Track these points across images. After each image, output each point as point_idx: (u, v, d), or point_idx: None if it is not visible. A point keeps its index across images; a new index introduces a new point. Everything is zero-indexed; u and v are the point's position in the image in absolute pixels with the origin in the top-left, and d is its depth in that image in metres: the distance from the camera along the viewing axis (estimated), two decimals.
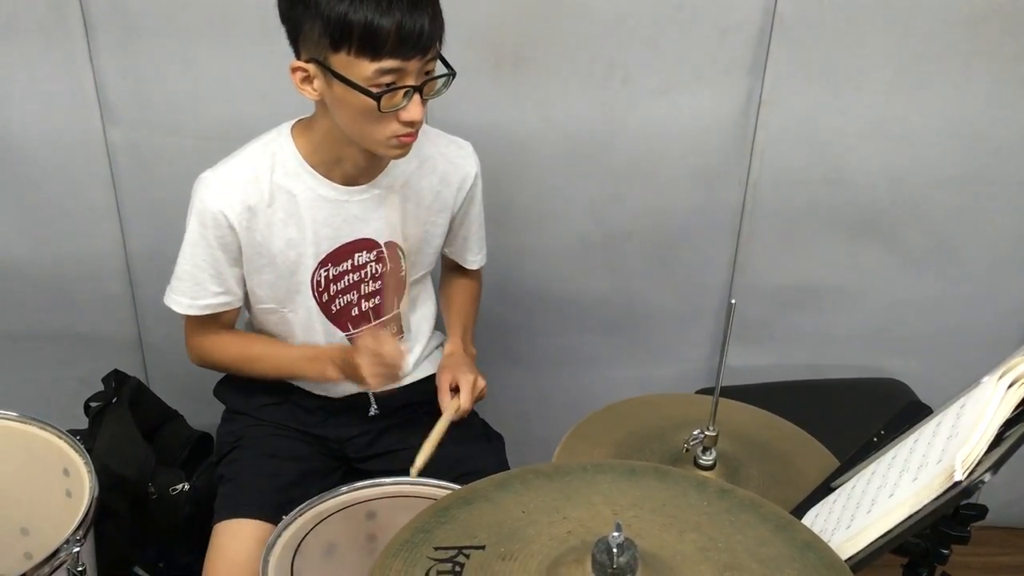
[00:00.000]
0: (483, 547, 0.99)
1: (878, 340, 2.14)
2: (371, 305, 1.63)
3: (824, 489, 1.23)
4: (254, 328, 1.68)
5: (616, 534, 0.92)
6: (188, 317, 1.59)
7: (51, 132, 1.87)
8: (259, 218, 1.50)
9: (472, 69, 1.72)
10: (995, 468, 0.91)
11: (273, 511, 1.53)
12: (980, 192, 1.97)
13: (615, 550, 0.91)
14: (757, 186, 1.97)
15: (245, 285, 1.58)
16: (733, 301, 1.23)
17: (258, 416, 1.69)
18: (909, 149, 1.93)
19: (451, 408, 1.56)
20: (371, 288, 1.61)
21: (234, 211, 1.48)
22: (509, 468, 1.70)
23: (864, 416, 1.78)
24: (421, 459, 1.47)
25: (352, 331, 1.63)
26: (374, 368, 1.47)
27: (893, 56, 1.84)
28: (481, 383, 1.60)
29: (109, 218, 1.97)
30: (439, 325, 1.77)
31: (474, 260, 1.75)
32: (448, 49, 1.41)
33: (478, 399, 1.62)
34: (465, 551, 0.99)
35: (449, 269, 1.81)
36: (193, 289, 1.55)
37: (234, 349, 1.64)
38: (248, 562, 1.50)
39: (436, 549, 0.99)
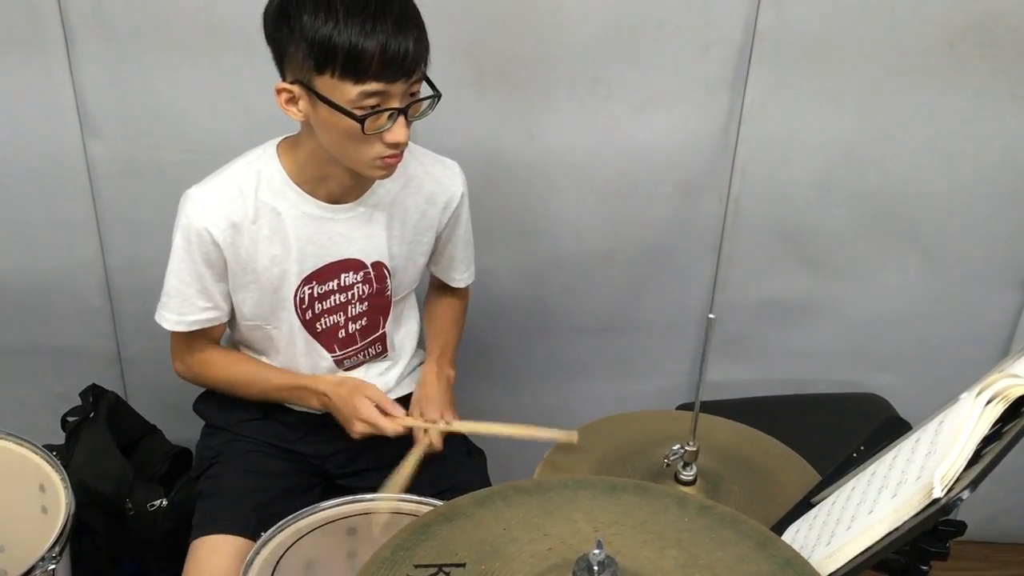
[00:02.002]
0: (463, 564, 0.99)
1: (858, 355, 2.15)
2: (358, 327, 1.62)
3: (804, 505, 1.23)
4: (237, 343, 1.68)
5: (597, 551, 0.92)
6: (175, 332, 1.58)
7: (30, 144, 1.86)
8: (244, 235, 1.50)
9: (456, 86, 1.72)
10: (974, 485, 0.91)
11: (252, 528, 1.52)
12: (960, 208, 1.99)
13: (596, 568, 0.91)
14: (738, 202, 1.98)
15: (232, 300, 1.57)
16: (712, 316, 1.23)
17: (238, 432, 1.68)
18: (888, 165, 1.95)
19: (420, 447, 1.53)
20: (358, 310, 1.61)
21: (219, 228, 1.48)
22: (491, 484, 1.70)
23: (844, 431, 1.78)
24: (385, 509, 1.45)
25: (338, 352, 1.63)
26: (366, 431, 1.51)
27: (873, 73, 1.86)
28: (447, 418, 1.57)
29: (88, 231, 1.96)
30: (423, 342, 1.77)
31: (460, 279, 1.75)
32: (432, 67, 1.41)
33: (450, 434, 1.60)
34: (445, 569, 0.98)
35: (435, 287, 1.81)
36: (181, 305, 1.54)
37: (220, 369, 1.63)
38: None
39: (416, 567, 0.99)
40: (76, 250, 1.98)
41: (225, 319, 1.59)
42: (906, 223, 2.01)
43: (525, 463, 1.48)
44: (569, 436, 1.44)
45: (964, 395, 1.03)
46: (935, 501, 0.93)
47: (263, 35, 1.41)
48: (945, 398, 1.11)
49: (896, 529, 0.96)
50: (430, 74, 1.42)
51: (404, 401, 1.70)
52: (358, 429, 1.51)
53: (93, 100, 1.84)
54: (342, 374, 1.64)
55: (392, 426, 1.50)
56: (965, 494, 0.91)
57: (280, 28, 1.37)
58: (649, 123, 1.90)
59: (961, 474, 0.93)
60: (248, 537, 1.52)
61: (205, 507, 1.60)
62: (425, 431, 1.54)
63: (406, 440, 1.62)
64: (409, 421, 1.53)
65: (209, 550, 1.53)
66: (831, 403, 2.03)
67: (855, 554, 1.00)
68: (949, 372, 2.11)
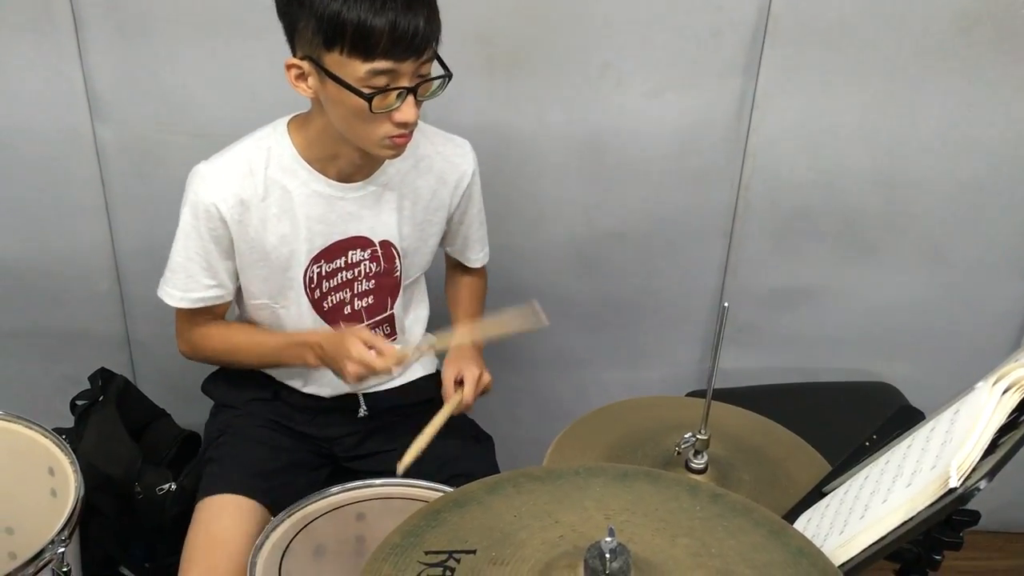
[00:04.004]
0: (474, 551, 0.98)
1: (868, 343, 2.14)
2: (364, 304, 1.61)
3: (816, 494, 1.22)
4: (244, 322, 1.67)
5: (609, 539, 0.91)
6: (179, 309, 1.58)
7: (40, 128, 1.86)
8: (252, 212, 1.49)
9: (466, 69, 1.71)
10: (991, 475, 0.90)
11: (258, 491, 1.52)
12: (971, 196, 1.97)
13: (608, 555, 0.91)
14: (749, 188, 1.97)
15: (237, 279, 1.56)
16: (726, 304, 1.22)
17: (246, 410, 1.68)
18: (901, 152, 1.93)
19: (453, 401, 1.53)
20: (364, 287, 1.60)
21: (227, 204, 1.47)
22: (498, 469, 1.70)
23: (854, 419, 1.78)
24: (410, 457, 1.43)
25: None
26: (358, 371, 1.46)
27: (887, 59, 1.84)
28: (487, 378, 1.58)
29: (97, 215, 1.95)
30: (431, 327, 1.76)
31: (476, 258, 1.75)
32: (442, 49, 1.40)
33: (482, 393, 1.60)
34: (456, 555, 0.98)
35: (452, 268, 1.80)
36: (185, 282, 1.54)
37: (219, 339, 1.62)
38: (230, 539, 1.49)
39: (426, 553, 0.99)
40: (85, 233, 1.97)
41: (230, 298, 1.59)
42: (918, 210, 1.99)
43: (533, 449, 1.47)
44: (537, 320, 1.45)
45: (980, 384, 1.02)
46: (951, 491, 0.92)
47: (273, 16, 1.40)
48: (956, 386, 1.10)
49: (911, 519, 0.96)
50: (441, 54, 1.40)
51: (413, 385, 1.71)
52: (350, 370, 1.46)
53: (102, 83, 1.83)
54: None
55: (383, 363, 1.45)
56: (982, 484, 0.90)
57: (291, 2, 1.36)
58: (660, 108, 1.88)
59: (977, 464, 0.92)
60: (254, 498, 1.53)
61: (211, 471, 1.61)
62: (457, 390, 1.54)
63: (416, 425, 1.62)
64: (399, 351, 1.49)
65: (213, 510, 1.53)
66: (841, 391, 2.02)
67: (869, 543, 0.99)
68: (960, 360, 2.10)
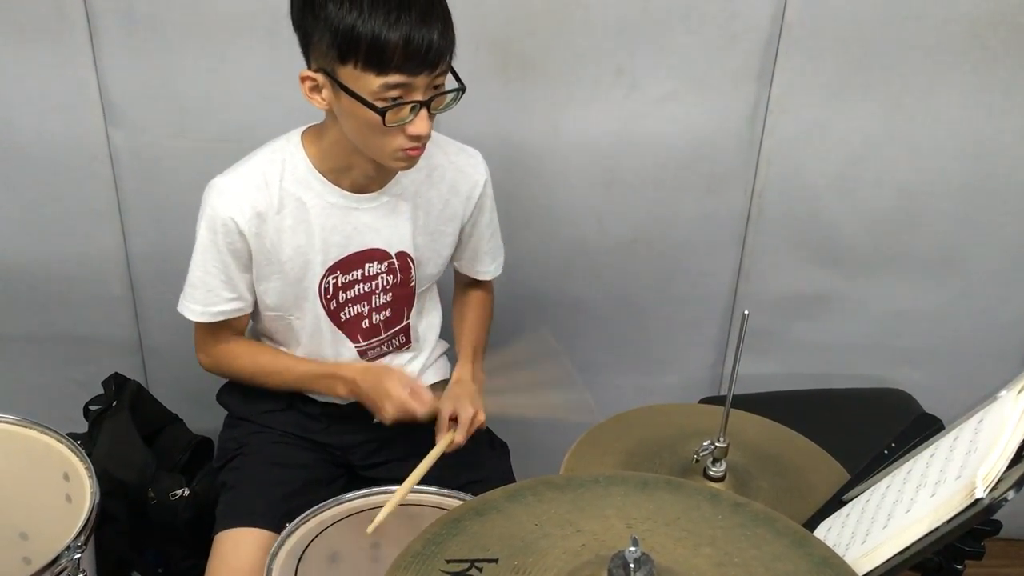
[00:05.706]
0: (496, 560, 0.98)
1: (882, 350, 2.13)
2: (382, 318, 1.62)
3: (836, 502, 1.22)
4: (259, 334, 1.67)
5: (633, 549, 0.91)
6: (199, 324, 1.58)
7: (53, 133, 1.86)
8: (268, 224, 1.49)
9: (479, 76, 1.71)
10: (1019, 485, 0.90)
11: (276, 521, 1.51)
12: (986, 202, 1.97)
13: (632, 565, 0.90)
14: (763, 194, 1.96)
15: (255, 291, 1.56)
16: (746, 312, 1.22)
17: (261, 423, 1.67)
18: (915, 158, 1.93)
19: (444, 440, 1.51)
20: (383, 300, 1.60)
21: (244, 217, 1.47)
22: (513, 476, 1.70)
23: (869, 426, 1.78)
24: (386, 511, 1.39)
25: (362, 343, 1.62)
26: (397, 414, 1.48)
27: (901, 65, 1.84)
28: (481, 417, 1.55)
29: (110, 220, 1.95)
30: (444, 333, 1.76)
31: (486, 271, 1.74)
32: (456, 56, 1.40)
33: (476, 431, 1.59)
34: (478, 564, 0.97)
35: (462, 284, 1.79)
36: (206, 296, 1.53)
37: (244, 360, 1.62)
38: (250, 572, 1.49)
39: (448, 562, 0.98)
40: (98, 238, 1.97)
41: (249, 310, 1.58)
42: (931, 216, 1.99)
43: (547, 455, 1.47)
44: (589, 415, 1.43)
45: (1003, 393, 1.02)
46: (977, 501, 0.92)
47: (287, 24, 1.40)
48: (969, 393, 1.10)
49: (936, 529, 0.95)
50: (454, 63, 1.40)
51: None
52: (389, 413, 1.49)
53: (116, 89, 1.83)
54: (366, 362, 1.63)
55: (423, 409, 1.48)
56: (1010, 494, 0.90)
57: (306, 16, 1.35)
58: (674, 114, 1.88)
59: (1003, 474, 0.92)
60: (272, 530, 1.52)
61: (228, 499, 1.60)
62: (449, 428, 1.53)
63: (431, 431, 1.62)
64: (434, 399, 1.51)
65: (233, 544, 1.53)
66: (855, 398, 2.02)
67: (893, 553, 0.98)
68: (973, 367, 2.09)
